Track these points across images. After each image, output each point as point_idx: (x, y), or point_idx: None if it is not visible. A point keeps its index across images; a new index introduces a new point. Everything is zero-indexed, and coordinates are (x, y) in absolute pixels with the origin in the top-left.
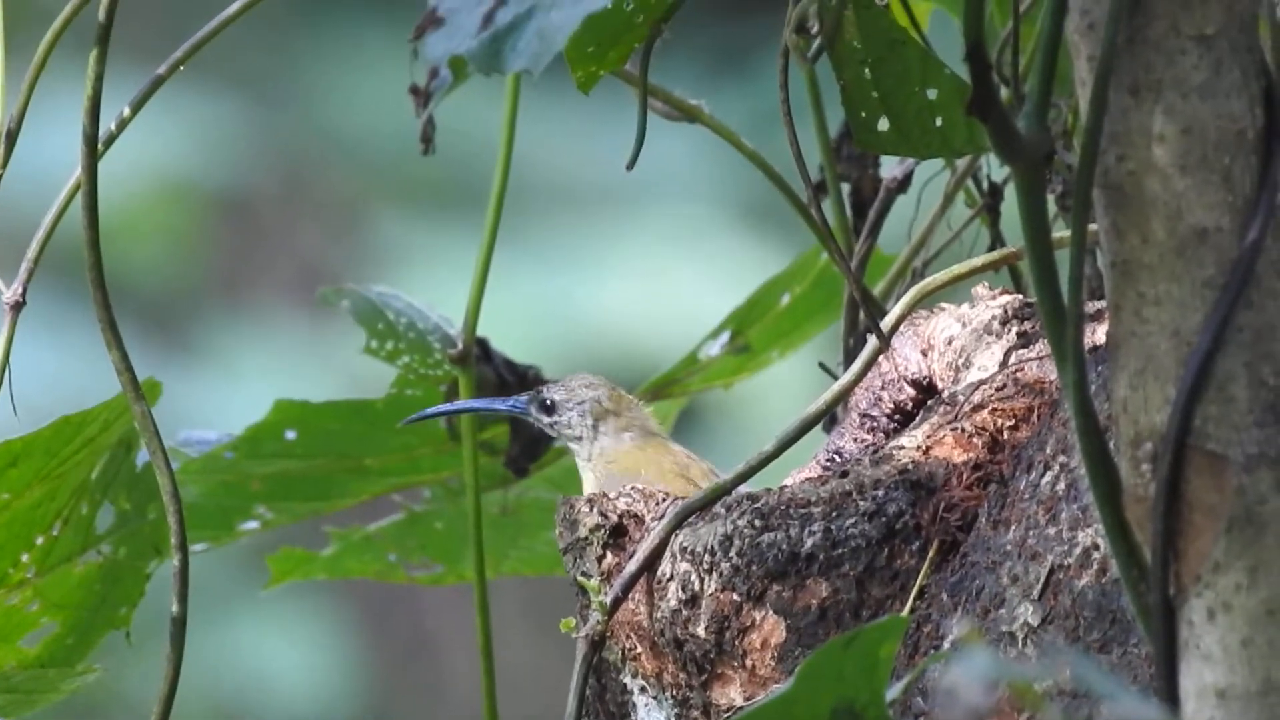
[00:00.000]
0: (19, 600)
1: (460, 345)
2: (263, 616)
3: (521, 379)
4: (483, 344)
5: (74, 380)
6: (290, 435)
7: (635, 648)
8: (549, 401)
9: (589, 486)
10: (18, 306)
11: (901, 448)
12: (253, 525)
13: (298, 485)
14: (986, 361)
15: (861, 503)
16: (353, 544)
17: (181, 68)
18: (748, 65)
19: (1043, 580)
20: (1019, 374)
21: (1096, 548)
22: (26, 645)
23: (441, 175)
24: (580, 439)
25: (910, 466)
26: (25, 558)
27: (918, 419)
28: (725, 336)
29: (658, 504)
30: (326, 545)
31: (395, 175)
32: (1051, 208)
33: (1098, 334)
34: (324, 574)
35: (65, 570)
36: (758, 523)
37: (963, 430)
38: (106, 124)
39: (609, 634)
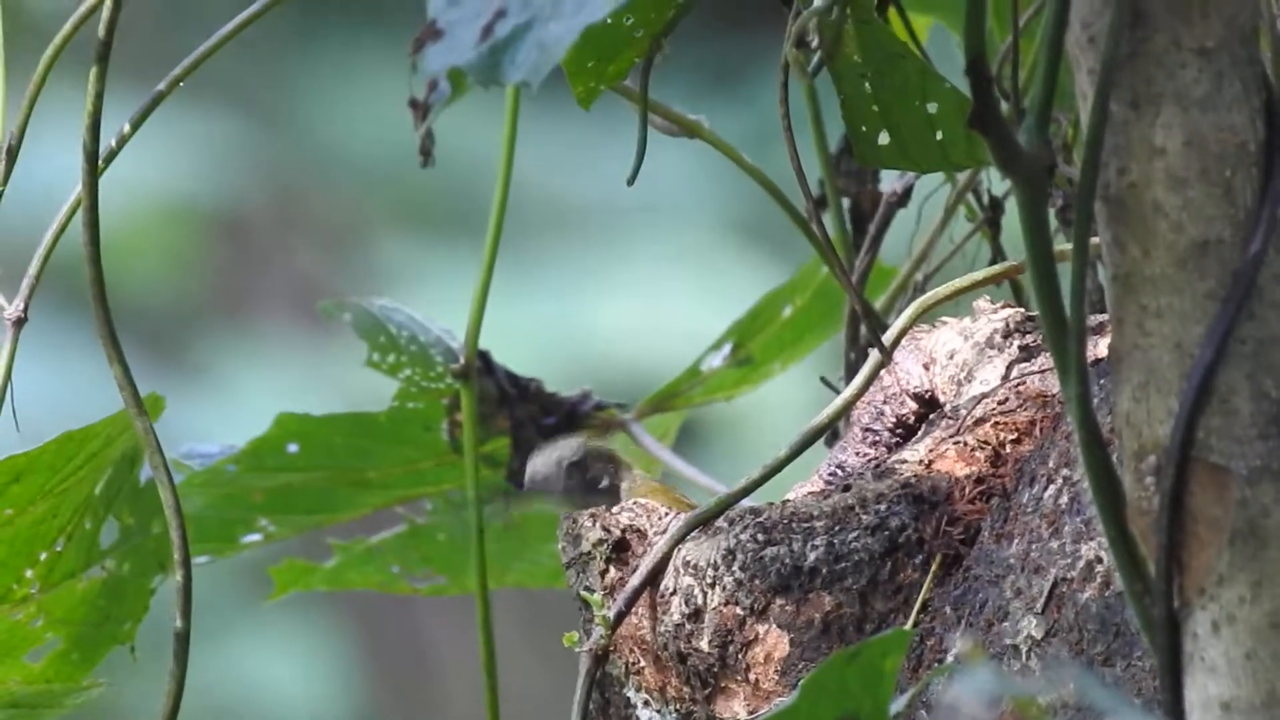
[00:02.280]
0: (23, 616)
1: (462, 360)
2: (261, 632)
3: (524, 392)
4: (484, 357)
5: (75, 397)
6: (292, 448)
7: (639, 662)
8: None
9: None
10: (20, 322)
11: (904, 461)
12: (255, 538)
13: (300, 498)
14: (988, 375)
15: (864, 516)
16: (355, 556)
17: (181, 84)
18: (741, 82)
19: (1046, 594)
20: (1021, 387)
21: (1100, 561)
22: (30, 661)
23: (439, 194)
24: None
25: (913, 480)
26: (29, 573)
27: (920, 433)
28: (727, 348)
29: (660, 518)
30: (329, 557)
31: (393, 194)
32: (1053, 221)
33: (1100, 347)
34: (326, 585)
35: (69, 586)
36: (760, 537)
37: (965, 444)
38: (106, 141)
39: (612, 648)
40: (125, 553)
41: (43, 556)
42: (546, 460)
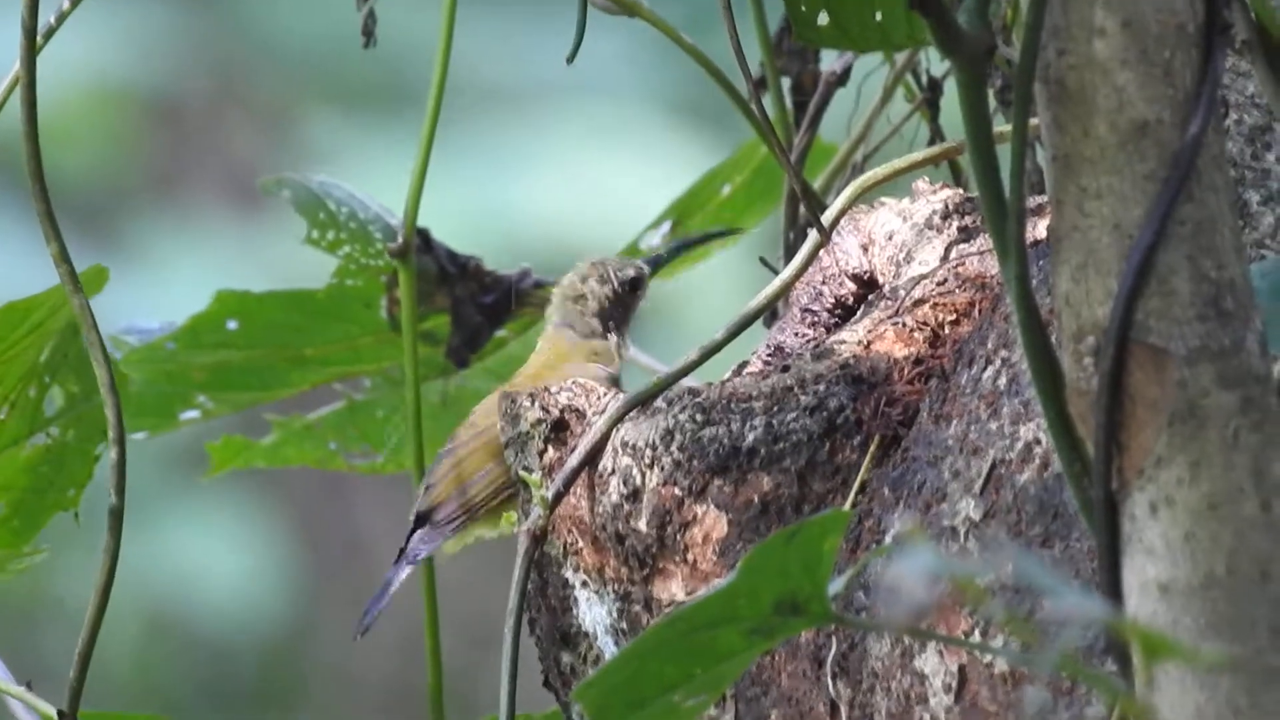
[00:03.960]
0: None
1: (401, 238)
2: (197, 512)
3: (463, 269)
4: (424, 235)
5: (11, 273)
6: (231, 325)
7: (577, 542)
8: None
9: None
10: None
11: (843, 342)
12: (193, 414)
13: (238, 375)
14: (927, 256)
15: (803, 397)
16: (293, 432)
17: None
18: None
19: (984, 475)
20: (960, 268)
21: (1038, 442)
22: None
23: (372, 76)
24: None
25: (851, 361)
26: None
27: (859, 314)
28: (666, 226)
29: (599, 399)
30: (267, 435)
31: (326, 76)
32: (992, 102)
33: (1039, 229)
34: (264, 462)
35: (12, 454)
36: (699, 417)
37: (904, 325)
38: (45, 19)
39: (550, 529)
40: (70, 421)
41: None
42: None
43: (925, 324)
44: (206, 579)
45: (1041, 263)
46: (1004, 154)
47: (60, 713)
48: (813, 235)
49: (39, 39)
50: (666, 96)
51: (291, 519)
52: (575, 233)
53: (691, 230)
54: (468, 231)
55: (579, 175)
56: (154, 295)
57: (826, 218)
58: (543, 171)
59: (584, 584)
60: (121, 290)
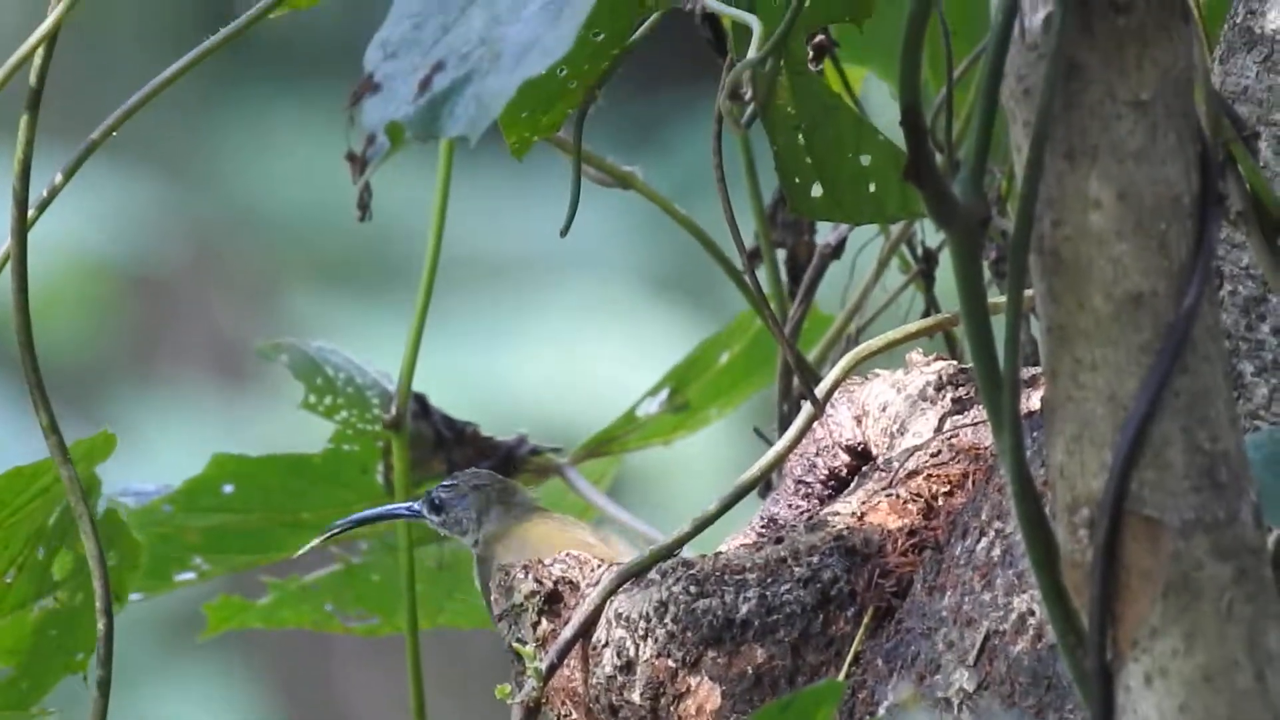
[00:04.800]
0: None
1: (394, 408)
2: (180, 678)
3: (459, 435)
4: (421, 400)
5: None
6: (228, 489)
7: (570, 714)
8: (437, 500)
9: (477, 574)
10: None
11: (836, 514)
12: (189, 576)
13: (235, 538)
14: (921, 427)
15: (796, 569)
16: (289, 594)
17: (111, 135)
18: (667, 136)
19: (978, 646)
20: (954, 440)
21: (1032, 613)
22: None
23: (355, 249)
24: (465, 532)
25: (845, 533)
26: None
27: (853, 485)
28: (664, 394)
29: (593, 570)
30: (262, 596)
31: (309, 249)
32: (987, 273)
33: (1033, 400)
34: (261, 623)
35: (20, 616)
36: (693, 589)
37: (898, 496)
38: (36, 192)
39: (544, 700)
40: (77, 584)
41: None
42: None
43: (919, 495)
44: None
45: (1036, 434)
46: (999, 325)
47: None
48: (807, 407)
49: (31, 212)
50: (654, 268)
51: (276, 686)
52: (569, 402)
53: (690, 395)
54: (459, 402)
55: (572, 345)
56: (140, 468)
57: (820, 389)
58: (536, 341)
59: None
60: (108, 462)
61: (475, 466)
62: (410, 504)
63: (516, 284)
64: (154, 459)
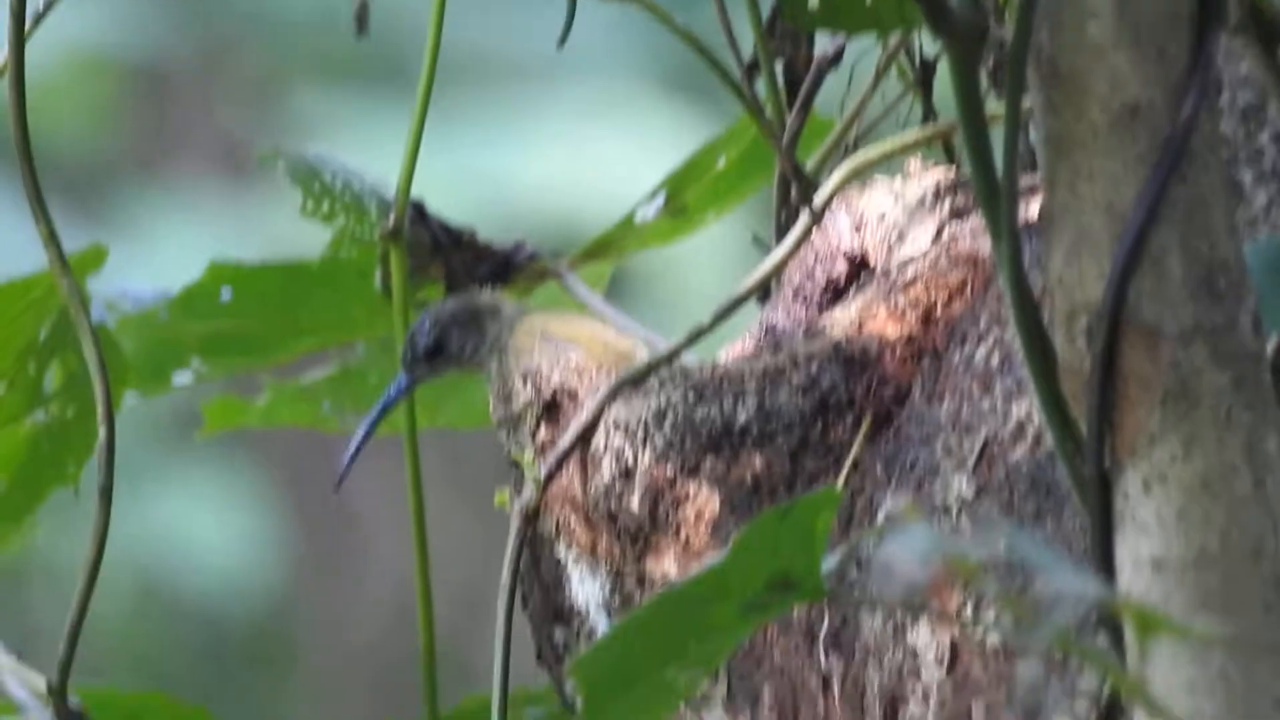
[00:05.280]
0: None
1: (392, 217)
2: (185, 481)
3: (457, 241)
4: (418, 206)
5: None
6: (225, 295)
7: (570, 521)
8: (418, 352)
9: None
10: None
11: (835, 322)
12: (186, 377)
13: (232, 343)
14: (919, 236)
15: (795, 377)
16: (287, 394)
17: None
18: None
19: (976, 453)
20: (952, 248)
21: (1030, 420)
22: None
23: (362, 49)
24: (465, 363)
25: (844, 341)
26: None
27: (851, 293)
28: (661, 198)
29: (592, 378)
30: (260, 397)
31: (314, 47)
32: (985, 83)
33: (1031, 209)
34: (258, 422)
35: (11, 430)
36: (691, 397)
37: (896, 304)
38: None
39: (543, 507)
40: (69, 397)
41: None
42: (421, 328)
43: (917, 303)
44: (196, 545)
45: (1034, 243)
46: (997, 134)
47: (50, 686)
48: (805, 216)
49: (28, 23)
50: (659, 71)
51: (281, 485)
52: (570, 206)
53: (688, 200)
54: (461, 204)
55: (573, 149)
56: (144, 267)
57: (818, 198)
58: (536, 145)
59: (577, 561)
60: (112, 262)
61: (472, 271)
62: (394, 385)
63: (521, 85)
64: (159, 257)
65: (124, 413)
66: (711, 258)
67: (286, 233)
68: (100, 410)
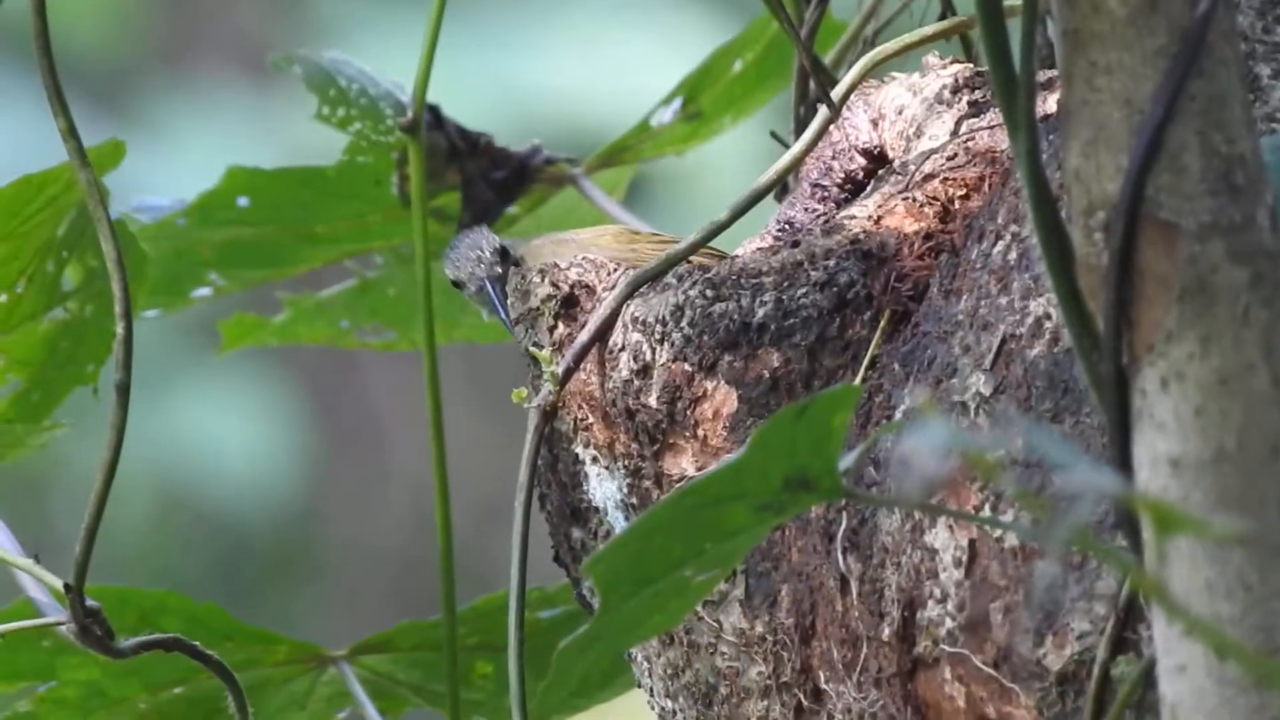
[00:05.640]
0: None
1: (410, 114)
2: (208, 387)
3: (474, 146)
4: (434, 110)
5: (24, 152)
6: (242, 202)
7: (587, 418)
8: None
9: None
10: None
11: (853, 217)
12: (205, 292)
13: (249, 252)
14: (937, 131)
15: (813, 272)
16: (305, 310)
17: None
18: None
19: (994, 350)
20: (970, 143)
21: (1048, 317)
22: None
23: None
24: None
25: (861, 236)
26: None
27: (869, 189)
28: (677, 103)
29: (609, 274)
30: (278, 313)
31: None
32: None
33: (1049, 103)
34: (276, 340)
35: (30, 328)
36: (709, 293)
37: (914, 200)
38: None
39: (560, 404)
40: (87, 295)
41: (2, 299)
42: (464, 257)
43: (935, 199)
44: (217, 454)
45: (1052, 137)
46: (1014, 28)
47: (67, 586)
48: (823, 111)
49: None
50: None
51: (303, 394)
52: (586, 109)
53: (704, 104)
54: (478, 108)
55: (590, 52)
56: (164, 169)
57: (836, 93)
58: (553, 49)
59: (594, 459)
60: (131, 164)
61: (489, 176)
62: (488, 287)
63: None
64: (180, 159)
65: (145, 322)
66: (730, 162)
67: (308, 133)
68: (118, 306)
